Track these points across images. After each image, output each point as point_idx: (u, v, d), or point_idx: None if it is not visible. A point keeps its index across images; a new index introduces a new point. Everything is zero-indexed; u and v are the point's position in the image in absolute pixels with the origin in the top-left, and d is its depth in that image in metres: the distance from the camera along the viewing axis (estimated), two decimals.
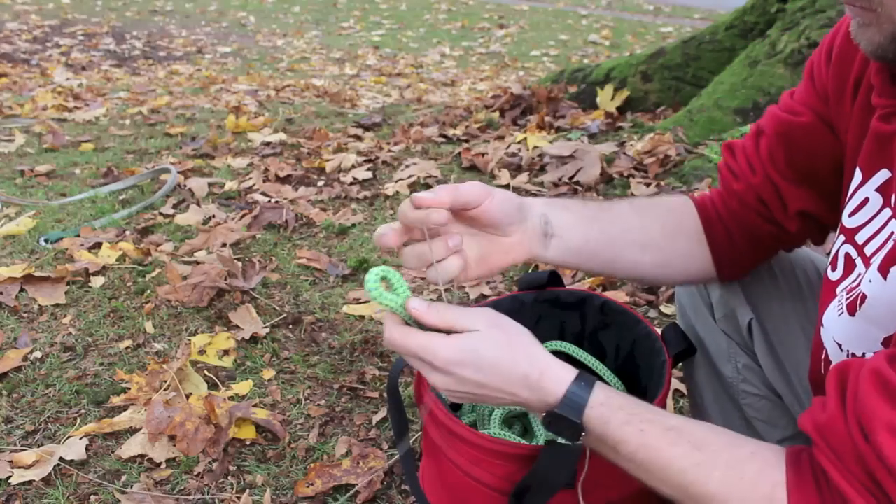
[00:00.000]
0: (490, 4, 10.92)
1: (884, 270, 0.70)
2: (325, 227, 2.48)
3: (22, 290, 2.02)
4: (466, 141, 3.33)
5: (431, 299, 0.78)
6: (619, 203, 1.02)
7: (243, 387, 1.65)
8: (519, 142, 3.09)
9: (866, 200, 0.78)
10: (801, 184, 0.93)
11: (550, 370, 0.75)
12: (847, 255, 0.81)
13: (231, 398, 1.60)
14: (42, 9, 9.03)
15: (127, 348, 1.80)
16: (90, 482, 1.39)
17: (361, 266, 2.21)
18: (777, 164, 0.94)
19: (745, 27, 3.41)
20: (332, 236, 2.43)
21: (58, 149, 3.39)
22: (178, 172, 2.93)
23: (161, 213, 2.59)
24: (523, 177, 2.78)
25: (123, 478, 1.40)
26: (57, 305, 1.97)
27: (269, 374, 1.71)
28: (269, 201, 2.66)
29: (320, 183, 2.91)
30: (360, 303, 2.01)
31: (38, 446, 1.47)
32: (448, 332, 0.75)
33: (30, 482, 1.38)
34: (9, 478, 1.38)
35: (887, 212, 0.75)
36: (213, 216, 2.55)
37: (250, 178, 2.93)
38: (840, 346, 0.79)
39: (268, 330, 1.86)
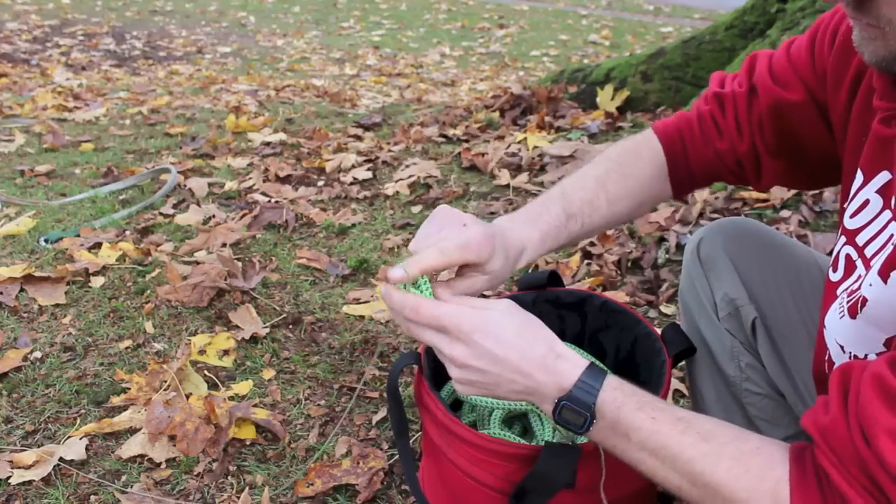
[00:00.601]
0: (490, 4, 10.93)
1: (884, 274, 0.70)
2: (325, 227, 2.48)
3: (22, 290, 2.02)
4: (466, 141, 3.33)
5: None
6: (595, 194, 1.01)
7: (243, 387, 1.65)
8: (519, 142, 3.09)
9: (867, 202, 0.79)
10: (781, 156, 0.98)
11: (567, 354, 0.78)
12: (847, 257, 0.81)
13: (231, 398, 1.60)
14: (42, 9, 9.03)
15: (127, 348, 1.80)
16: (90, 482, 1.39)
17: (361, 266, 2.21)
18: (765, 136, 0.97)
19: (745, 27, 3.41)
20: (332, 236, 2.43)
21: (58, 149, 3.39)
22: (178, 172, 2.93)
23: (161, 213, 2.59)
24: (523, 177, 2.78)
25: (123, 478, 1.40)
26: (57, 305, 1.97)
27: (269, 374, 1.71)
28: (269, 201, 2.66)
29: (320, 183, 2.91)
30: (360, 303, 2.01)
31: (38, 446, 1.47)
32: None
33: (30, 482, 1.38)
34: (9, 478, 1.38)
35: (887, 214, 0.75)
36: (213, 216, 2.55)
37: (250, 178, 2.93)
38: (842, 347, 0.79)
39: (268, 330, 1.86)
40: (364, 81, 5.78)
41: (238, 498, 1.34)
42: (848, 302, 0.77)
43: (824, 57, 0.89)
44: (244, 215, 2.54)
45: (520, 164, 2.90)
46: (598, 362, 1.13)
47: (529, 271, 1.80)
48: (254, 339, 1.83)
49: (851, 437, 0.62)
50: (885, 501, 0.60)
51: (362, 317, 1.94)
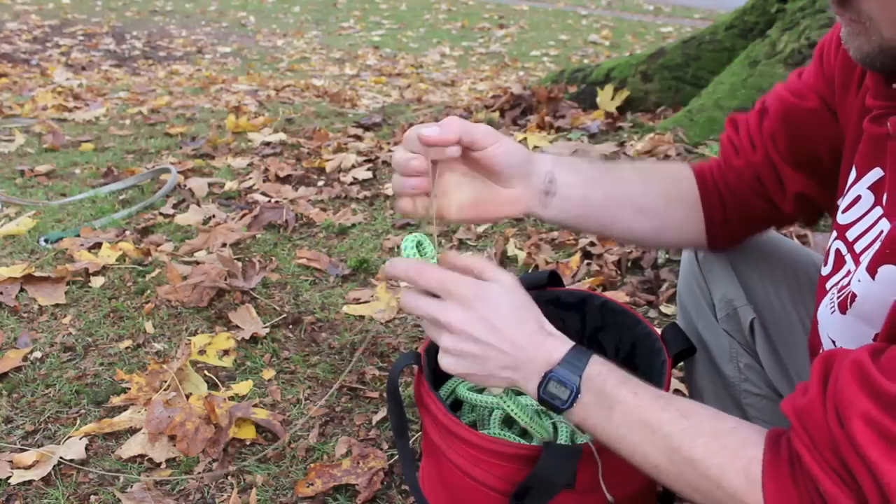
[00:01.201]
0: (490, 4, 10.92)
1: (872, 270, 0.71)
2: (325, 227, 2.48)
3: (22, 290, 2.02)
4: None
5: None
6: (623, 166, 1.03)
7: (243, 387, 1.65)
8: (519, 142, 3.09)
9: (858, 198, 0.80)
10: (801, 168, 0.95)
11: (556, 332, 0.81)
12: (837, 252, 0.82)
13: (231, 398, 1.60)
14: (42, 9, 9.03)
15: (127, 348, 1.80)
16: (90, 482, 1.39)
17: (361, 266, 2.21)
18: (778, 146, 0.95)
19: (745, 27, 3.41)
20: (332, 236, 2.43)
21: (58, 149, 3.38)
22: (178, 172, 2.93)
23: (161, 213, 2.59)
24: None
25: (123, 478, 1.40)
26: (57, 305, 1.97)
27: (269, 374, 1.71)
28: (269, 201, 2.66)
29: (320, 183, 2.91)
30: (360, 303, 2.01)
31: (38, 446, 1.47)
32: None
33: (30, 482, 1.38)
34: (9, 478, 1.38)
35: (878, 210, 0.76)
36: (213, 216, 2.55)
37: (250, 178, 2.93)
38: (834, 342, 0.80)
39: (268, 330, 1.86)
40: (364, 81, 5.78)
41: (239, 498, 1.34)
42: (838, 297, 0.78)
43: (832, 61, 0.89)
44: (244, 215, 2.54)
45: None
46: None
47: (529, 271, 1.80)
48: (254, 339, 1.83)
49: (826, 420, 0.62)
50: (854, 485, 0.60)
51: (362, 317, 1.94)
